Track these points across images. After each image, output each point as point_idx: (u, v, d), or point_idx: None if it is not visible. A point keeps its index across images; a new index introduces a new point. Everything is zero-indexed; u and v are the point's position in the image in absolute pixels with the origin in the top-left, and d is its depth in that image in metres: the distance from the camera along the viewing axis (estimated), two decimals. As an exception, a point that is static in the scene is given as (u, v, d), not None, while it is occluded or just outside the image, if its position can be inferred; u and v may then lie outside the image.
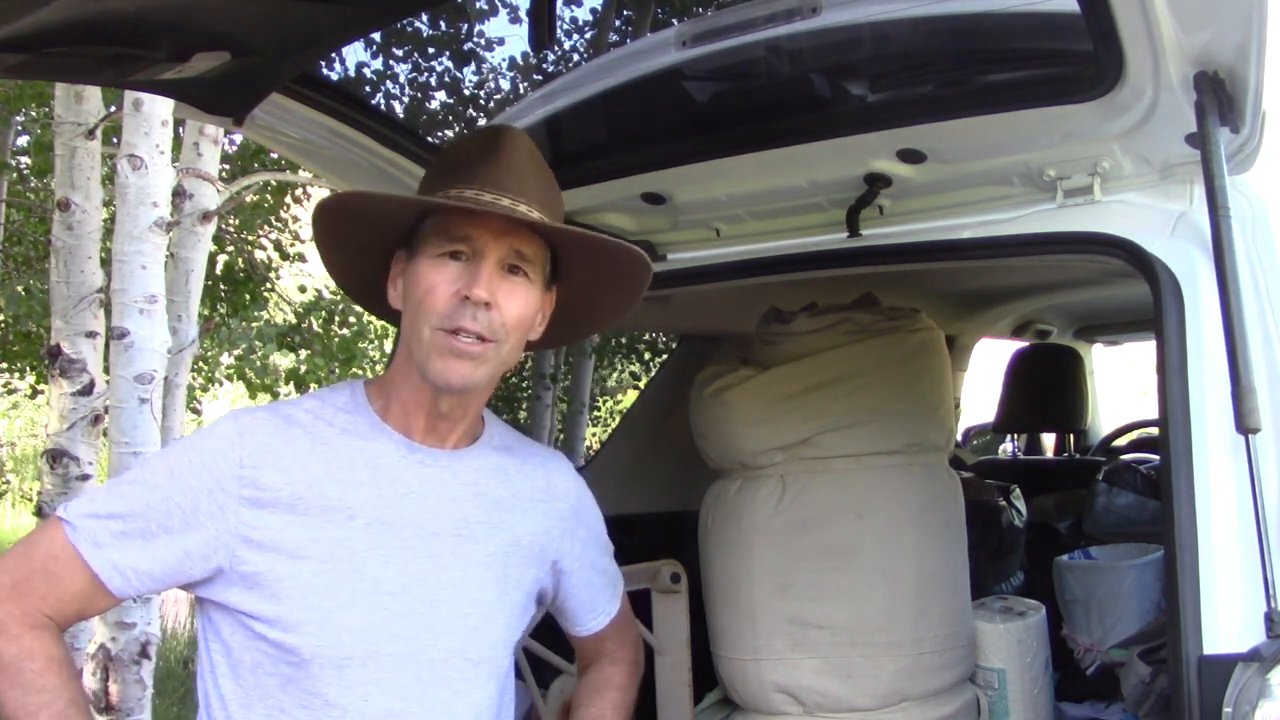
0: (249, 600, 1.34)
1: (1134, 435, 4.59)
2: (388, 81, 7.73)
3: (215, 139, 4.49)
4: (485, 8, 7.59)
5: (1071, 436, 4.37)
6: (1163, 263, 1.59)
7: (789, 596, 2.19)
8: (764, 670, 2.22)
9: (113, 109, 4.19)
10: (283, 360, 8.64)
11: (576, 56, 7.95)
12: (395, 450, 1.41)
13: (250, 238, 7.31)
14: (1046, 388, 3.75)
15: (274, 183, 6.78)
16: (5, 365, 7.49)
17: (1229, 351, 1.37)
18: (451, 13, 7.42)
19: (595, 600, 1.67)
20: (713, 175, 1.97)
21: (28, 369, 7.41)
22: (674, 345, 3.69)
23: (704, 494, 2.40)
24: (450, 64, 7.85)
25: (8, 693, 1.28)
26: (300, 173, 5.85)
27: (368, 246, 1.44)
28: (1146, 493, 2.88)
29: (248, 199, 6.51)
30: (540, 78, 7.53)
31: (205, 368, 8.09)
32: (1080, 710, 2.62)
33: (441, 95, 8.02)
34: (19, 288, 6.31)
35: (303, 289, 7.83)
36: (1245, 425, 1.34)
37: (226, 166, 6.21)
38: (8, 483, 12.01)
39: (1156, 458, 2.58)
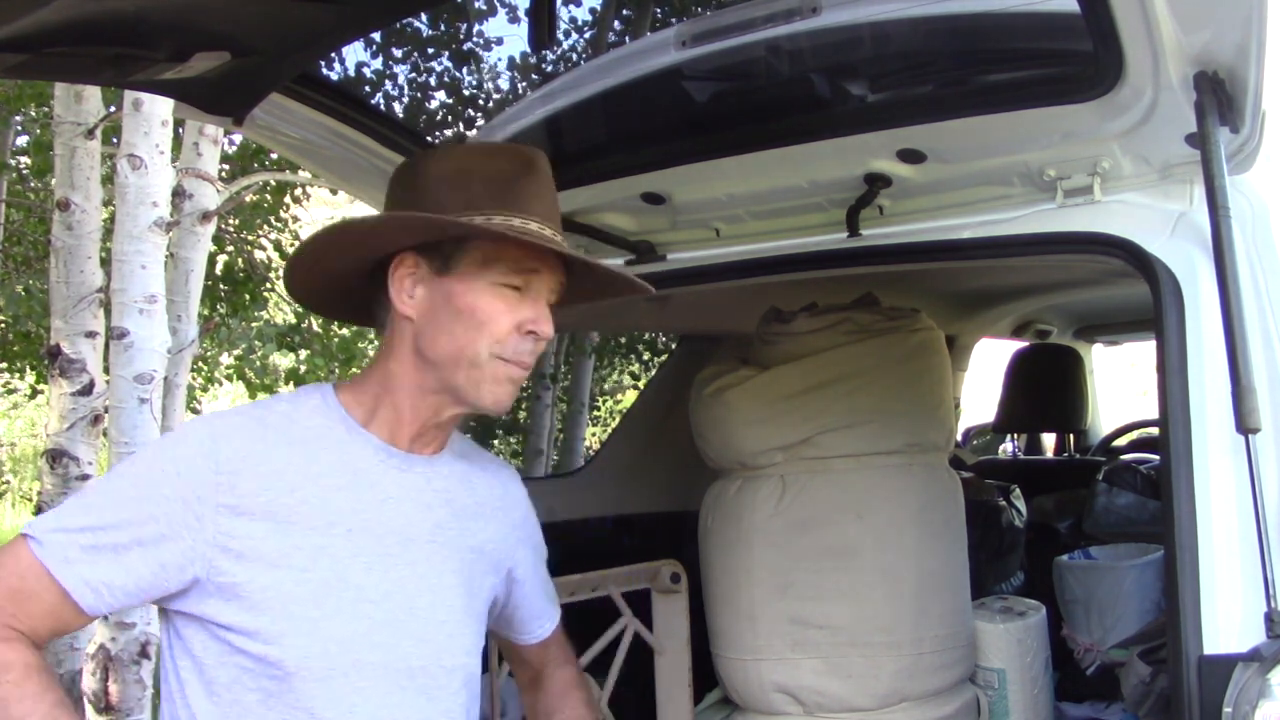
0: (227, 612, 1.29)
1: (1134, 435, 4.59)
2: (388, 81, 7.73)
3: (215, 139, 4.49)
4: (485, 8, 7.59)
5: (1071, 436, 4.37)
6: (1163, 263, 1.58)
7: (789, 596, 2.19)
8: (764, 670, 2.22)
9: (113, 109, 4.19)
10: (283, 360, 8.65)
11: (576, 56, 7.95)
12: (373, 455, 1.38)
13: (250, 238, 7.30)
14: (1046, 388, 3.76)
15: (274, 183, 6.78)
16: (5, 365, 7.48)
17: (1229, 351, 1.37)
18: (451, 13, 7.42)
19: (544, 608, 1.67)
20: (713, 175, 1.97)
21: (28, 369, 7.40)
22: (674, 345, 3.69)
23: (704, 494, 2.40)
24: (450, 64, 7.85)
25: None
26: (300, 173, 5.85)
27: (364, 255, 1.38)
28: (1146, 493, 2.88)
29: (248, 199, 6.51)
30: (540, 78, 7.52)
31: (205, 368, 8.10)
32: (1080, 710, 2.62)
33: (441, 95, 8.02)
34: (19, 288, 6.31)
35: (303, 289, 7.81)
36: (1245, 425, 1.34)
37: (226, 166, 6.21)
38: (8, 483, 12.01)
39: (1156, 458, 2.58)
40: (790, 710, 2.22)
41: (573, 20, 8.06)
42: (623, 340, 9.46)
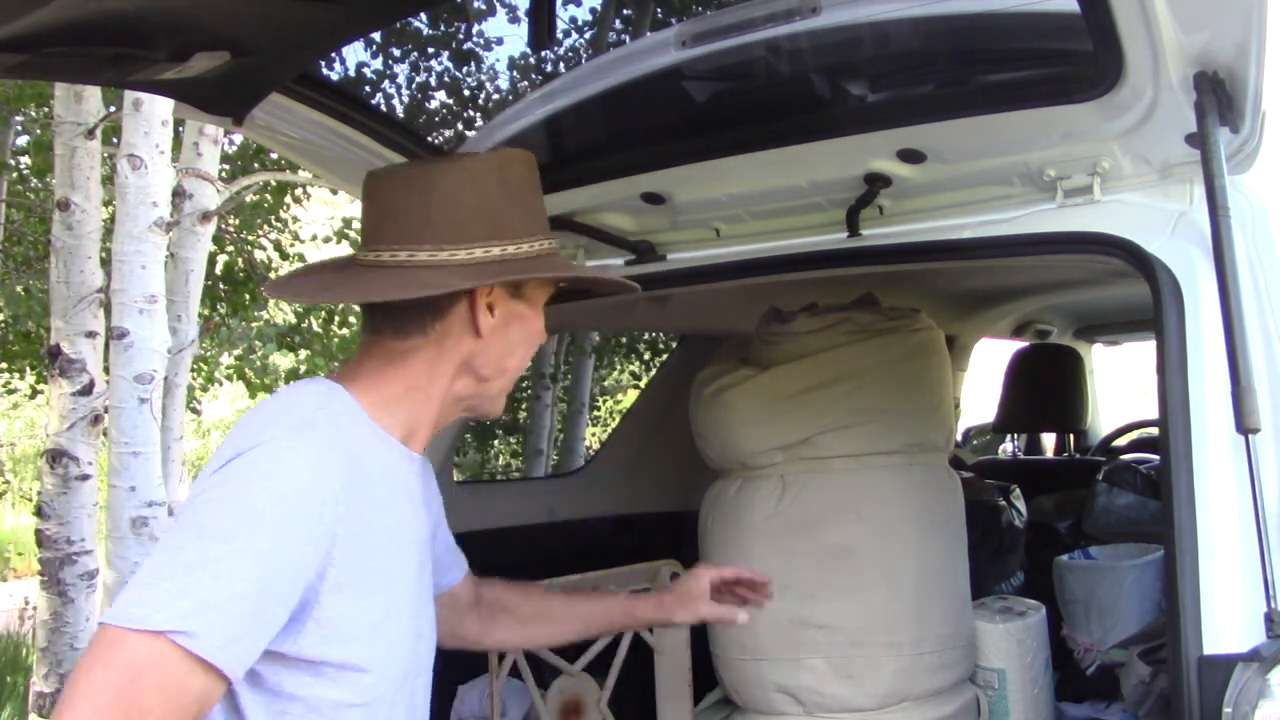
0: (318, 644, 1.22)
1: (1134, 435, 4.59)
2: (388, 81, 7.73)
3: (215, 139, 4.50)
4: (485, 8, 7.58)
5: (1071, 436, 4.37)
6: (1163, 263, 1.59)
7: (789, 597, 2.19)
8: (764, 670, 2.22)
9: (113, 109, 4.19)
10: (283, 360, 8.65)
11: (576, 56, 7.95)
12: (398, 459, 1.35)
13: (250, 238, 7.30)
14: (1046, 388, 3.76)
15: (274, 183, 6.78)
16: (5, 365, 7.48)
17: (1229, 351, 1.37)
18: (451, 13, 7.42)
19: (456, 552, 1.66)
20: (713, 175, 1.97)
21: (28, 369, 7.40)
22: (674, 345, 3.69)
23: (704, 494, 2.40)
24: (450, 64, 7.85)
25: None
26: (300, 173, 5.85)
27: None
28: (1146, 493, 2.88)
29: (248, 199, 6.51)
30: (540, 78, 7.52)
31: (205, 368, 8.09)
32: (1080, 710, 2.62)
33: (441, 95, 8.02)
34: (19, 288, 6.31)
35: (303, 289, 7.81)
36: (1245, 425, 1.34)
37: (226, 166, 6.21)
38: (8, 483, 12.00)
39: (1156, 458, 2.58)
40: (790, 710, 2.22)
41: (573, 20, 8.06)
42: (623, 340, 9.45)
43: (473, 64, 7.88)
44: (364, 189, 1.40)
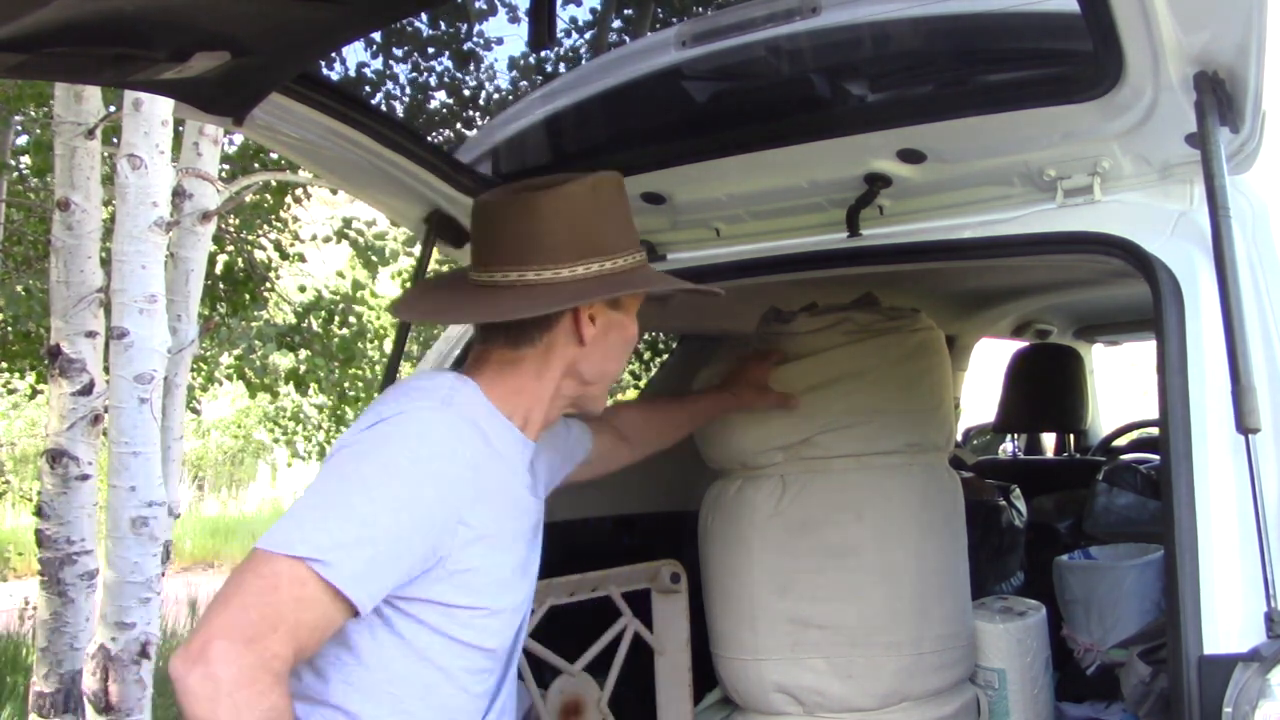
0: (455, 594, 1.39)
1: (1134, 435, 4.59)
2: (388, 81, 7.72)
3: (215, 139, 4.50)
4: (485, 8, 7.58)
5: (1071, 436, 4.37)
6: (1163, 263, 1.59)
7: (789, 597, 2.19)
8: (764, 670, 2.22)
9: (113, 109, 4.19)
10: (283, 360, 8.65)
11: (576, 56, 7.94)
12: (517, 442, 1.52)
13: (250, 238, 7.30)
14: (1046, 388, 3.75)
15: (274, 183, 6.77)
16: (5, 365, 7.48)
17: (1229, 351, 1.37)
18: (451, 13, 7.42)
19: (583, 428, 1.92)
20: (713, 175, 1.97)
21: (28, 369, 7.40)
22: (674, 345, 3.69)
23: (704, 494, 2.40)
24: (450, 64, 7.84)
25: None
26: (300, 173, 5.85)
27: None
28: (1146, 493, 2.88)
29: (248, 199, 6.50)
30: (540, 78, 7.52)
31: (205, 368, 8.10)
32: (1080, 710, 2.62)
33: (441, 95, 8.02)
34: (19, 288, 6.31)
35: (303, 289, 7.83)
36: (1245, 425, 1.34)
37: (226, 166, 6.20)
38: (8, 483, 12.01)
39: (1156, 458, 2.58)
40: (790, 710, 2.22)
41: (573, 20, 8.06)
42: (623, 340, 9.43)
43: (473, 64, 7.88)
44: (473, 214, 1.58)
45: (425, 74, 7.86)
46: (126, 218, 3.67)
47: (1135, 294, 2.04)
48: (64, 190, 3.85)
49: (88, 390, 3.84)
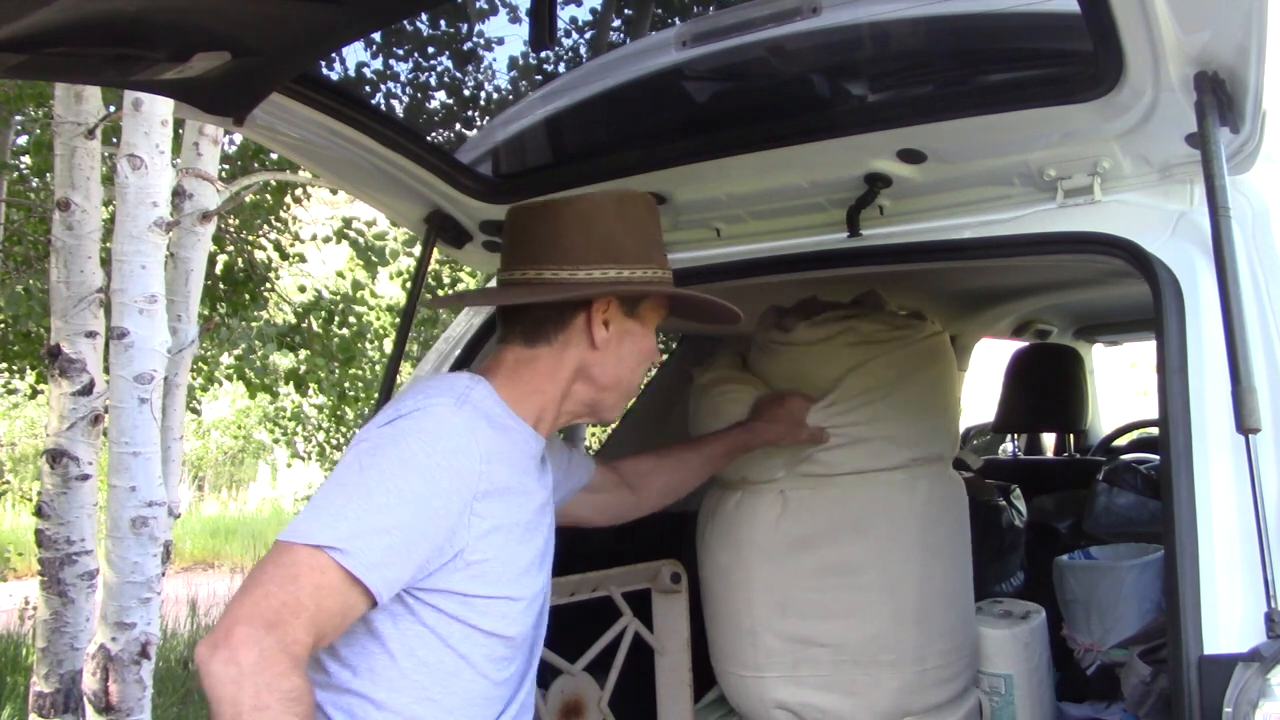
0: (472, 584, 1.44)
1: (1134, 435, 4.59)
2: (388, 81, 7.72)
3: (215, 139, 4.49)
4: (485, 7, 7.58)
5: (1071, 436, 4.37)
6: (1163, 263, 1.59)
7: (790, 615, 2.16)
8: (765, 687, 2.18)
9: (113, 109, 4.19)
10: (283, 360, 8.64)
11: (576, 56, 7.94)
12: (529, 438, 1.57)
13: (250, 238, 7.30)
14: (1046, 388, 3.75)
15: (274, 183, 6.77)
16: (5, 365, 7.48)
17: (1229, 351, 1.37)
18: (451, 13, 7.42)
19: (584, 456, 1.99)
20: (713, 175, 1.97)
21: (28, 369, 7.40)
22: (674, 345, 3.69)
23: (703, 498, 2.39)
24: (450, 64, 7.84)
25: None
26: (300, 173, 5.85)
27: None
28: (1146, 493, 2.88)
29: (248, 199, 6.50)
30: (540, 78, 7.52)
31: (205, 368, 8.09)
32: (1080, 710, 2.62)
33: (441, 95, 8.02)
34: (19, 288, 6.30)
35: (303, 289, 7.83)
36: (1245, 425, 1.34)
37: (226, 166, 6.20)
38: (8, 483, 12.01)
39: (1156, 458, 2.58)
40: (791, 726, 2.19)
41: (573, 20, 8.06)
42: (623, 340, 9.42)
43: (473, 64, 7.88)
44: (506, 222, 1.65)
45: (425, 74, 7.86)
46: (126, 218, 3.67)
47: (1135, 294, 2.04)
48: (64, 190, 3.85)
49: (88, 390, 3.84)
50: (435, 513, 1.38)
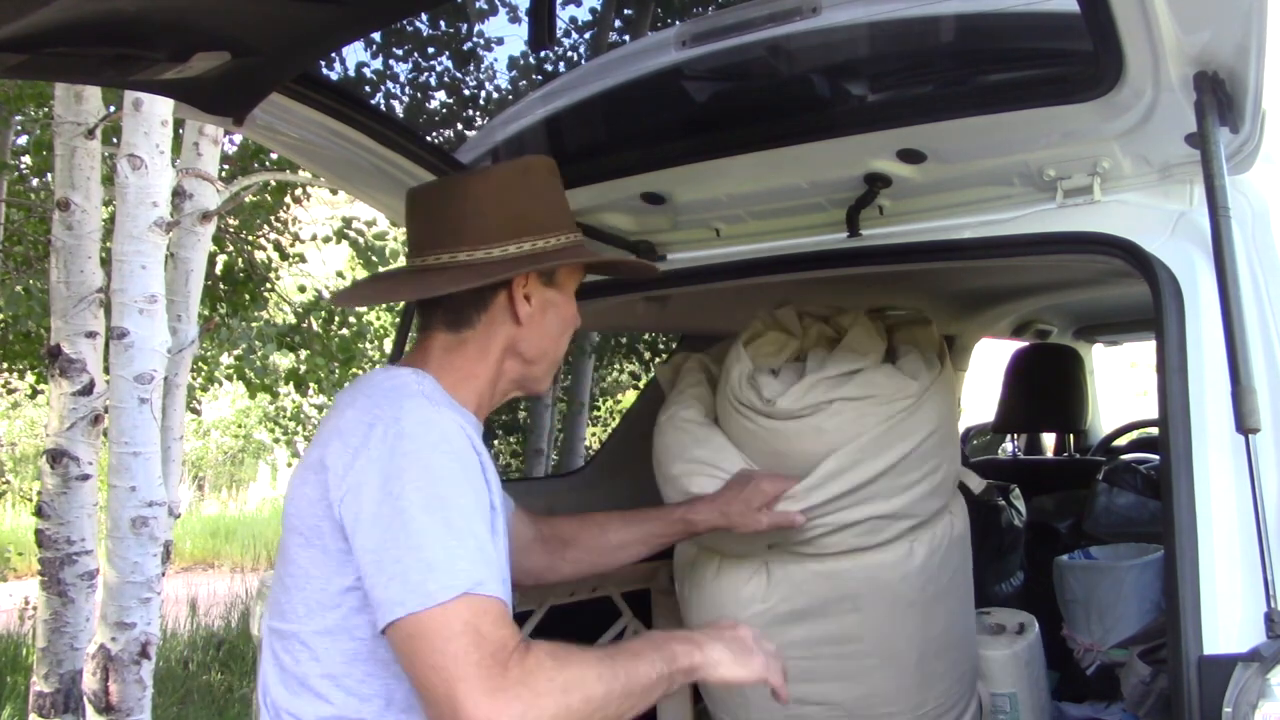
0: None
1: (1134, 435, 4.59)
2: (388, 81, 7.72)
3: (215, 139, 4.50)
4: (485, 8, 7.58)
5: (1071, 436, 4.37)
6: (1163, 263, 1.59)
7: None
8: None
9: (113, 109, 4.19)
10: (283, 360, 8.65)
11: (576, 56, 7.94)
12: (472, 423, 1.51)
13: (250, 238, 7.30)
14: (1046, 388, 3.75)
15: (274, 183, 6.77)
16: (5, 365, 7.48)
17: (1229, 351, 1.37)
18: (451, 13, 7.42)
19: (503, 494, 1.83)
20: (713, 175, 1.97)
21: (28, 369, 7.40)
22: (674, 345, 3.69)
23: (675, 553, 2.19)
24: (450, 64, 7.84)
25: (585, 674, 1.30)
26: (300, 173, 5.85)
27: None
28: (1146, 493, 2.88)
29: (248, 199, 6.50)
30: (540, 78, 7.52)
31: (205, 368, 8.09)
32: (1080, 710, 2.62)
33: (441, 95, 8.02)
34: (19, 288, 6.30)
35: (303, 289, 7.83)
36: (1245, 425, 1.34)
37: (226, 166, 6.20)
38: (8, 483, 12.01)
39: (1156, 458, 2.58)
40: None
41: (573, 20, 8.06)
42: (623, 340, 9.45)
43: (473, 64, 7.88)
44: (407, 203, 1.60)
45: (425, 74, 7.87)
46: (126, 218, 3.67)
47: (1135, 294, 2.03)
48: (64, 190, 3.85)
49: (88, 390, 3.84)
50: (487, 507, 1.39)
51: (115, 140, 4.12)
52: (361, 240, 7.41)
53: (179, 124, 4.44)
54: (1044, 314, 4.07)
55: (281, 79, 1.72)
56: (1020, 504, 3.12)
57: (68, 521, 3.89)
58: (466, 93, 8.06)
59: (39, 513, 3.95)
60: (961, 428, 4.46)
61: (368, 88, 7.40)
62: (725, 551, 2.05)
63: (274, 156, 6.15)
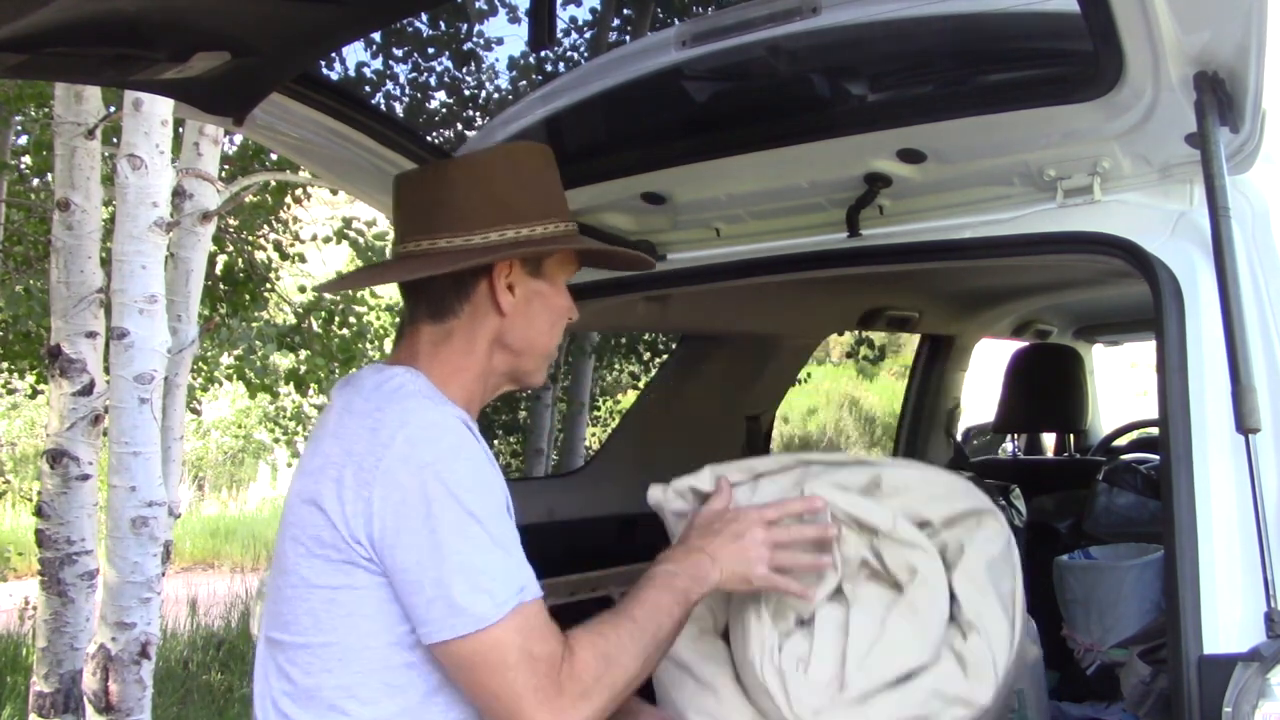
0: None
1: (1134, 435, 4.59)
2: (388, 81, 7.73)
3: (215, 139, 4.49)
4: (485, 8, 7.59)
5: (1071, 436, 4.37)
6: (1163, 263, 1.59)
7: None
8: None
9: (113, 109, 4.19)
10: (283, 360, 8.65)
11: (576, 56, 7.95)
12: (467, 421, 1.49)
13: (250, 238, 7.30)
14: (1046, 388, 3.75)
15: (274, 183, 6.77)
16: (5, 365, 7.48)
17: (1229, 351, 1.37)
18: (451, 13, 7.42)
19: None
20: (713, 175, 1.97)
21: (28, 369, 7.40)
22: (674, 345, 3.69)
23: None
24: (450, 64, 7.85)
25: (633, 629, 1.43)
26: (300, 173, 5.85)
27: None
28: (1146, 493, 2.88)
29: (248, 199, 6.50)
30: (540, 78, 7.52)
31: (205, 368, 8.09)
32: (1080, 710, 2.62)
33: (441, 95, 8.02)
34: (19, 288, 6.30)
35: (303, 289, 7.83)
36: (1245, 425, 1.34)
37: (226, 166, 6.20)
38: (8, 482, 12.00)
39: (1156, 458, 2.58)
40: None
41: (573, 20, 8.06)
42: (623, 340, 9.45)
43: (473, 64, 7.88)
44: (393, 192, 1.56)
45: (425, 74, 7.87)
46: (126, 218, 3.67)
47: (1135, 294, 2.03)
48: (64, 190, 3.85)
49: (88, 390, 3.84)
50: (503, 498, 1.40)
51: (115, 140, 4.12)
52: (361, 240, 7.41)
53: (179, 124, 4.44)
54: (1044, 314, 4.08)
55: (281, 79, 1.72)
56: (1020, 504, 3.12)
57: (68, 521, 3.89)
58: (466, 93, 8.07)
59: (39, 513, 3.95)
60: (961, 427, 4.47)
61: (368, 88, 7.40)
62: None
63: (274, 156, 6.15)
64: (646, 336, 9.15)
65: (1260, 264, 1.55)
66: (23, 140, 7.25)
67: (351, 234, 7.36)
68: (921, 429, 4.06)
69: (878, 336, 10.07)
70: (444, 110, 8.08)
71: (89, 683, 3.66)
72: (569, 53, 8.03)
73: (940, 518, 1.76)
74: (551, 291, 1.56)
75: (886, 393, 16.64)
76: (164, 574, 3.88)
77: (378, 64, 7.61)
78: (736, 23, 1.88)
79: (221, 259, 7.03)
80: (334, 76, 6.64)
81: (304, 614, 1.40)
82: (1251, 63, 1.40)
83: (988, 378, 4.28)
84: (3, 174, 6.56)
